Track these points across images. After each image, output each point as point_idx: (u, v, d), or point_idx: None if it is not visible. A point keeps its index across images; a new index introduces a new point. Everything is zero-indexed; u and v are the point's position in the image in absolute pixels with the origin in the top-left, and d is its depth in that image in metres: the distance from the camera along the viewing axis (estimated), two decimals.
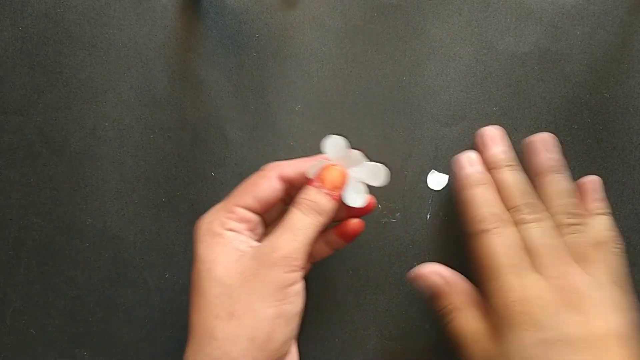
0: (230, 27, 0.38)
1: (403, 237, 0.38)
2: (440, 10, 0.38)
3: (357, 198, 0.32)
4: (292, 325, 0.30)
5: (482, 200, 0.33)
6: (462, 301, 0.33)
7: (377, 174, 0.32)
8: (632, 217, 0.37)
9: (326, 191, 0.30)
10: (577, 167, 0.37)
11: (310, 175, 0.32)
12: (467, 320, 0.32)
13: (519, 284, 0.30)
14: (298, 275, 0.29)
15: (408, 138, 0.38)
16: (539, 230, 0.32)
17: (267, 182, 0.31)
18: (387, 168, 0.32)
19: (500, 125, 0.38)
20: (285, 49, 0.38)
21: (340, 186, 0.31)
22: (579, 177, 0.37)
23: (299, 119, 0.38)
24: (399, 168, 0.37)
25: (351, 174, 0.32)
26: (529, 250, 0.31)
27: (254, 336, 0.28)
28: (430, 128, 0.38)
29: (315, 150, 0.38)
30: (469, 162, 0.35)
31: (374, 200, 0.34)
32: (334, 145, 0.32)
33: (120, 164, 0.38)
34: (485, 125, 0.37)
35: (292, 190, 0.32)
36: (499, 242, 0.31)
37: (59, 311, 0.38)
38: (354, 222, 0.33)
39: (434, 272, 0.34)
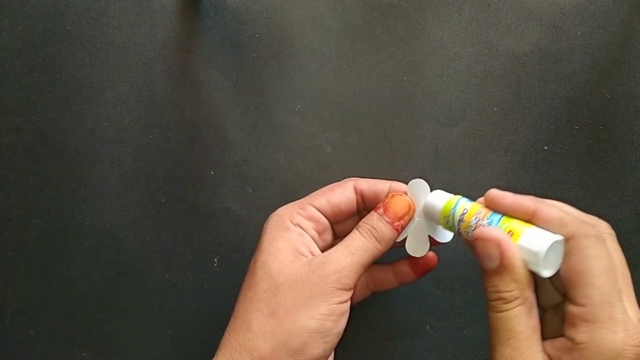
0: (230, 27, 0.38)
1: None
2: (440, 10, 0.38)
3: (419, 249, 0.32)
4: (329, 344, 0.29)
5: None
6: (530, 292, 0.26)
7: (446, 232, 0.32)
8: (632, 217, 0.37)
9: (388, 219, 0.30)
10: (577, 168, 0.37)
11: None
12: (527, 316, 0.26)
13: None
14: (347, 295, 0.29)
15: (408, 138, 0.38)
16: None
17: (342, 189, 0.32)
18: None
19: (501, 126, 0.37)
20: (285, 49, 0.38)
21: (403, 217, 0.31)
22: (579, 178, 0.37)
23: (299, 119, 0.38)
24: (399, 168, 0.37)
25: (425, 224, 0.31)
26: None
27: (287, 341, 0.28)
28: (430, 128, 0.38)
29: (315, 150, 0.38)
30: None
31: (435, 257, 0.33)
32: (423, 193, 0.31)
33: (120, 164, 0.38)
34: (485, 126, 0.36)
35: (363, 206, 0.33)
36: None
37: (59, 311, 0.38)
38: (430, 256, 0.32)
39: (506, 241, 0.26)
